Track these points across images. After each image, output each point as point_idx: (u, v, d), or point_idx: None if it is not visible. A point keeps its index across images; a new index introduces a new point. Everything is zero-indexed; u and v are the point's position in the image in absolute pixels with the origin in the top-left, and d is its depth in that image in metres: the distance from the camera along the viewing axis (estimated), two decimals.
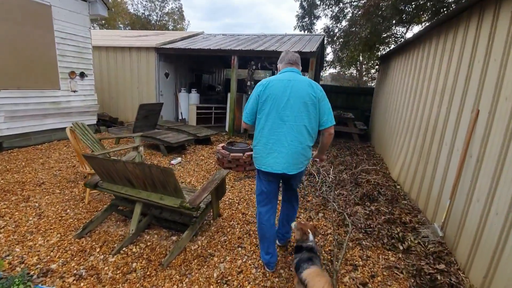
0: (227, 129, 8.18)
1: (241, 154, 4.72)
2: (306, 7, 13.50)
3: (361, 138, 8.72)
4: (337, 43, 12.49)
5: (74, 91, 6.85)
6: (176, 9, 30.37)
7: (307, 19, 13.67)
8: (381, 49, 8.19)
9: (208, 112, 9.21)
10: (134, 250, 2.51)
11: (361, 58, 8.49)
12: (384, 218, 3.41)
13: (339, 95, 12.23)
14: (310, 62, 6.71)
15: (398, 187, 4.61)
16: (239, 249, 2.64)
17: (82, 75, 6.98)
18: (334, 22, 12.44)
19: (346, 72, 26.30)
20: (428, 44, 4.44)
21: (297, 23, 14.43)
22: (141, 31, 13.80)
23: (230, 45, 7.84)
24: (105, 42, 8.86)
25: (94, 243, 2.58)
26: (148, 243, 2.64)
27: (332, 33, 12.51)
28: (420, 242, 2.97)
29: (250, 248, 2.66)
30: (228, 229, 2.97)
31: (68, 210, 3.16)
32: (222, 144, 5.14)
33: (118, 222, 2.97)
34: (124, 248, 2.51)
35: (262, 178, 2.32)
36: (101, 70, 8.95)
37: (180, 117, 9.59)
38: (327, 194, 4.01)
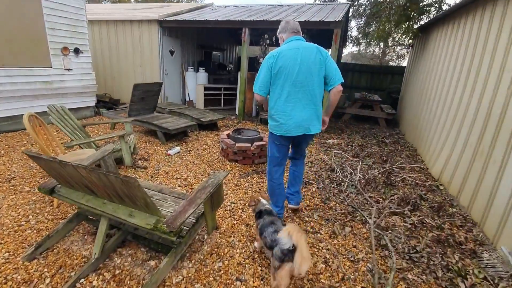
0: (237, 112, 7.38)
1: (249, 145, 3.94)
2: None
3: (388, 124, 7.69)
4: (364, 16, 11.10)
5: (69, 70, 6.20)
6: None
7: None
8: (419, 20, 6.93)
9: (217, 93, 8.39)
10: (94, 283, 1.85)
11: (393, 31, 7.28)
12: (433, 235, 2.59)
13: (362, 74, 11.04)
14: (334, 34, 5.67)
15: (441, 187, 3.72)
16: (238, 283, 1.93)
17: (77, 51, 6.30)
18: None
19: (368, 50, 24.40)
20: (492, 5, 3.36)
21: None
22: (146, 3, 12.89)
23: (240, 16, 6.85)
24: (104, 15, 8.08)
25: (46, 270, 1.94)
26: (117, 271, 1.97)
27: (357, 2, 11.09)
28: (487, 277, 2.15)
29: (254, 283, 1.94)
30: (226, 250, 2.26)
31: (31, 217, 2.54)
32: (228, 132, 4.38)
33: (85, 236, 2.32)
34: (82, 280, 1.86)
35: (277, 143, 2.49)
36: (101, 47, 8.25)
37: (187, 99, 8.84)
38: (354, 198, 3.21)
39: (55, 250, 2.15)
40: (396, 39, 11.36)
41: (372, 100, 7.85)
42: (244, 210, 2.88)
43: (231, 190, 3.29)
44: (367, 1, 10.87)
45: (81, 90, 6.50)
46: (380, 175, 3.75)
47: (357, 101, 8.06)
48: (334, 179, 3.69)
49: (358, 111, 7.92)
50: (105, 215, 1.93)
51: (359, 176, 3.62)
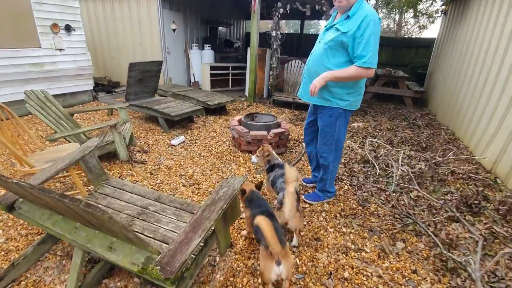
0: (247, 93, 6.70)
1: (265, 133, 3.32)
2: None
3: (415, 103, 6.89)
4: None
5: (60, 50, 5.58)
6: None
7: None
8: None
9: (225, 73, 7.67)
10: None
11: None
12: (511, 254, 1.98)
13: (383, 48, 10.02)
14: None
15: (499, 181, 3.06)
16: None
17: (68, 28, 5.63)
18: None
19: (382, 24, 22.84)
20: None
21: None
22: None
23: None
24: None
25: None
26: None
27: None
28: None
29: None
30: (245, 280, 1.71)
31: (0, 231, 2.04)
32: (239, 117, 3.75)
33: (64, 261, 1.81)
34: None
35: (348, 118, 2.27)
36: (98, 25, 7.54)
37: (192, 79, 8.15)
38: (398, 199, 2.60)
39: (22, 283, 1.64)
40: (420, 8, 10.22)
41: (398, 77, 7.01)
42: None
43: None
44: None
45: (76, 73, 5.91)
46: (424, 167, 3.09)
47: (380, 78, 7.23)
48: (370, 173, 3.06)
49: (382, 89, 7.11)
50: (77, 245, 1.38)
51: (401, 170, 2.98)
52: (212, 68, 7.31)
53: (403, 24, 21.04)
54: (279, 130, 3.38)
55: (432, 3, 7.16)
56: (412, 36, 19.98)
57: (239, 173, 3.05)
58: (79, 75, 5.99)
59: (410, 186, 2.80)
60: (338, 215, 2.37)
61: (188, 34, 8.12)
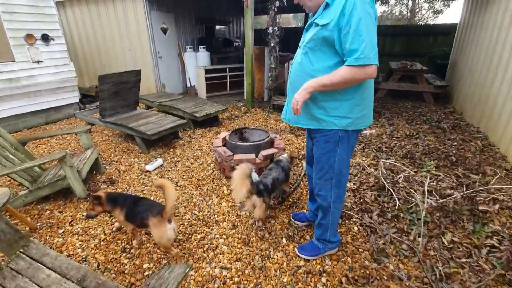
0: (245, 97, 6.07)
1: (253, 156, 2.69)
2: None
3: (436, 99, 6.05)
4: None
5: (38, 62, 5.13)
6: None
7: None
8: None
9: (221, 75, 7.05)
10: None
11: None
12: None
13: (396, 38, 9.15)
14: None
15: None
16: None
17: (46, 38, 5.18)
18: None
19: (394, 11, 21.50)
20: None
21: None
22: None
23: None
24: None
25: None
26: None
27: None
28: None
29: None
30: None
31: None
32: (225, 134, 3.13)
33: None
34: None
35: (354, 141, 1.61)
36: (86, 31, 7.09)
37: (189, 84, 7.60)
38: (426, 246, 1.92)
39: None
40: None
41: (415, 70, 6.18)
42: None
43: (225, 238, 2.11)
44: None
45: (58, 85, 5.45)
46: (460, 196, 2.37)
47: (395, 73, 6.41)
48: (387, 206, 2.38)
49: (397, 85, 6.29)
50: None
51: (427, 202, 2.28)
52: (207, 71, 6.72)
53: (417, 10, 19.75)
54: (270, 151, 2.74)
55: None
56: (428, 23, 18.72)
57: (220, 210, 2.44)
58: (62, 88, 5.54)
59: (441, 225, 2.11)
60: (344, 279, 1.72)
61: (181, 36, 7.55)
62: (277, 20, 5.60)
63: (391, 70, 6.65)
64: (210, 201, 2.58)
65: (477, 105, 4.53)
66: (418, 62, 7.83)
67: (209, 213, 2.41)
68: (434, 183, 2.65)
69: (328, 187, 1.66)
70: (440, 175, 2.79)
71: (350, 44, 1.28)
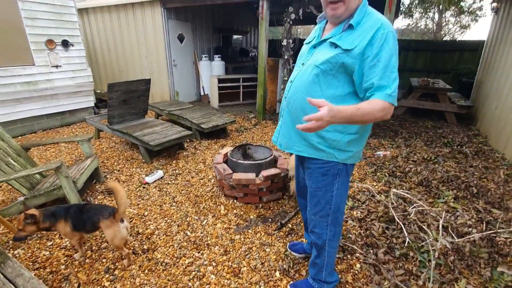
0: (257, 109, 5.97)
1: (253, 176, 2.55)
2: None
3: (459, 119, 5.69)
4: None
5: (57, 66, 5.28)
6: None
7: None
8: None
9: (235, 85, 7.01)
10: None
11: None
12: None
13: (419, 53, 8.81)
14: None
15: None
16: None
17: (66, 44, 5.34)
18: None
19: (420, 24, 20.92)
20: None
21: None
22: None
23: None
24: (105, 0, 7.04)
25: None
26: None
27: None
28: None
29: None
30: None
31: None
32: (226, 150, 3.02)
33: None
34: None
35: (351, 174, 1.49)
36: (106, 37, 7.29)
37: (202, 92, 7.63)
38: None
39: None
40: (463, 4, 8.82)
41: (437, 89, 5.86)
42: None
43: (214, 265, 1.96)
44: None
45: (74, 90, 5.59)
46: (478, 237, 2.11)
47: (415, 90, 6.11)
48: (395, 242, 2.16)
49: (417, 103, 5.99)
50: None
51: (441, 242, 2.04)
52: (220, 80, 6.69)
53: (444, 24, 19.12)
54: (272, 171, 2.58)
55: (475, 0, 5.93)
56: (455, 38, 18.08)
57: (214, 232, 2.31)
58: (78, 92, 5.68)
59: (455, 269, 1.87)
60: None
61: (198, 45, 7.61)
62: (292, 32, 5.50)
63: (412, 87, 6.35)
64: (205, 220, 2.45)
65: (503, 129, 4.18)
66: (441, 79, 7.48)
67: (202, 234, 2.28)
68: (451, 217, 2.40)
69: (324, 224, 1.49)
70: (458, 209, 2.52)
71: (379, 80, 1.15)
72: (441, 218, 2.15)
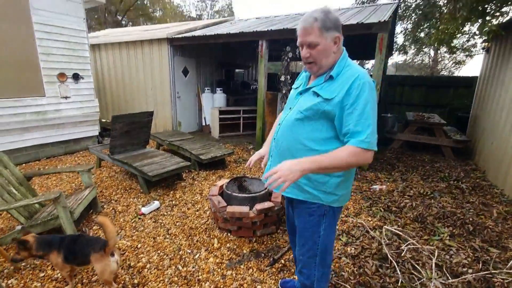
0: (256, 140, 6.10)
1: (247, 209, 2.58)
2: None
3: (456, 153, 5.75)
4: (412, 18, 9.26)
5: (66, 97, 5.54)
6: (226, 6, 29.61)
7: None
8: (497, 15, 5.05)
9: (235, 117, 7.22)
10: None
11: (459, 31, 5.52)
12: None
13: (415, 88, 9.09)
14: (378, 40, 4.16)
15: None
16: None
17: (76, 77, 5.64)
18: None
19: (416, 60, 21.72)
20: None
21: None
22: (168, 23, 12.50)
23: (257, 27, 5.69)
24: (118, 37, 7.54)
25: None
26: None
27: (403, 4, 9.31)
28: None
29: None
30: None
31: None
32: (223, 182, 3.07)
33: None
34: None
35: (339, 216, 1.53)
36: (115, 70, 7.70)
37: (204, 123, 7.85)
38: None
39: None
40: (455, 43, 9.28)
41: (432, 123, 6.00)
42: None
43: None
44: (416, 0, 9.03)
45: (81, 119, 5.81)
46: (472, 278, 2.08)
47: (411, 124, 6.25)
48: (388, 280, 2.12)
49: (413, 137, 6.09)
50: None
51: (433, 284, 2.01)
52: (221, 112, 6.92)
53: (439, 59, 19.86)
54: (265, 205, 2.62)
55: (469, 39, 6.29)
56: (452, 73, 18.66)
57: (206, 266, 2.29)
58: (84, 122, 5.88)
59: None
60: None
61: (201, 78, 7.98)
62: (291, 67, 5.80)
63: (407, 121, 6.50)
64: (198, 254, 2.44)
65: (501, 164, 4.22)
66: (438, 114, 7.66)
67: (193, 269, 2.26)
68: (446, 256, 2.37)
69: (312, 265, 1.50)
70: (453, 247, 2.50)
71: (355, 126, 1.24)
72: (434, 257, 2.14)
